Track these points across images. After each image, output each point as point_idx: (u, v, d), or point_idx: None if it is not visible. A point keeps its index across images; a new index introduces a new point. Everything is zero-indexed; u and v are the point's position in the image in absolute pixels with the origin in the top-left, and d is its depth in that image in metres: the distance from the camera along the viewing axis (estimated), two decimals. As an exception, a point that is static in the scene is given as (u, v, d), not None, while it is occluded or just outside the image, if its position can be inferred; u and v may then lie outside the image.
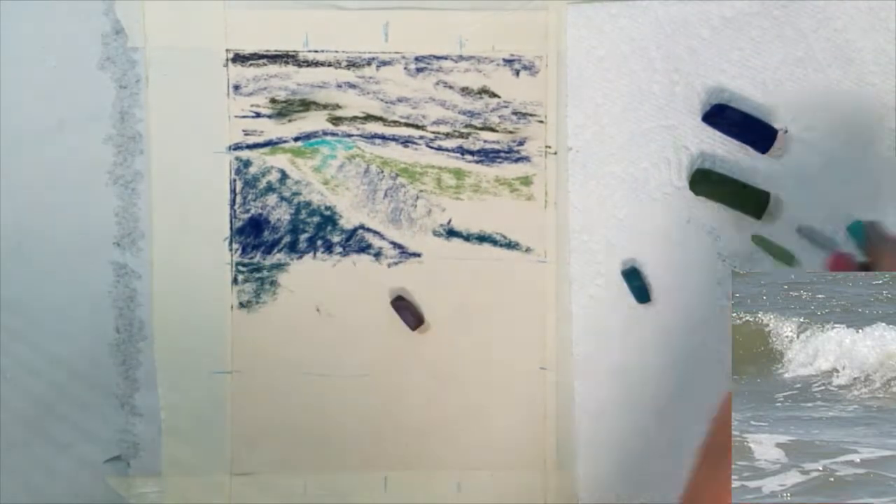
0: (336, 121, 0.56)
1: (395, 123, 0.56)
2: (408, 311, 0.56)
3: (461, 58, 0.56)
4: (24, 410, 0.56)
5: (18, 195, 0.56)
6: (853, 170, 0.55)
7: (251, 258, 0.56)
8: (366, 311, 0.57)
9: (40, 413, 0.56)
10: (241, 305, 0.56)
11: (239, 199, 0.56)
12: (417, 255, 0.56)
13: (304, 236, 0.56)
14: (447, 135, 0.56)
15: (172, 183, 0.56)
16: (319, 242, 0.56)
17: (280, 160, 0.56)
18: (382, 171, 0.56)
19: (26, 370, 0.56)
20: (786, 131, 0.55)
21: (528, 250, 0.57)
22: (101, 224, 0.56)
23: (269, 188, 0.56)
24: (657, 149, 0.56)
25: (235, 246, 0.56)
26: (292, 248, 0.56)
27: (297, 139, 0.56)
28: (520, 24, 0.56)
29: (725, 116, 0.55)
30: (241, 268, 0.56)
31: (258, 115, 0.56)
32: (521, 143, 0.56)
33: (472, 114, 0.56)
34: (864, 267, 0.51)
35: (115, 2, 0.55)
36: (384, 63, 0.56)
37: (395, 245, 0.56)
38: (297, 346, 0.56)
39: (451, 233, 0.57)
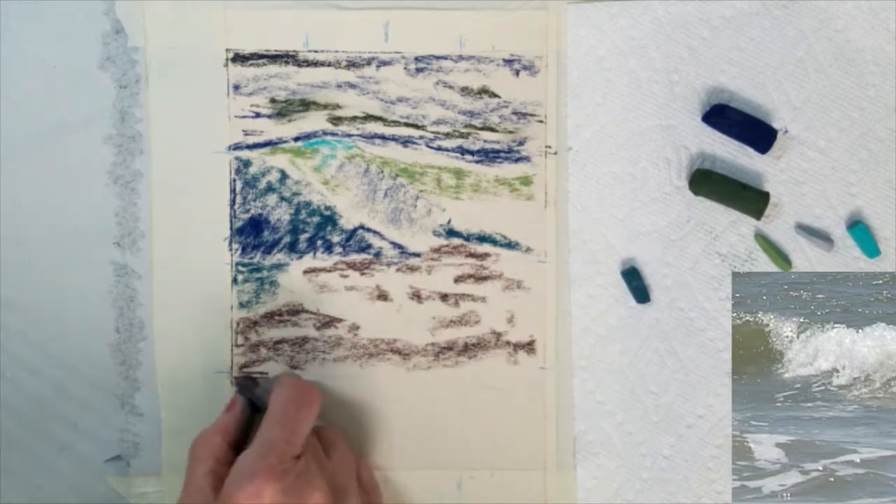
0: (336, 121, 0.56)
1: (395, 123, 0.56)
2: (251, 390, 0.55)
3: (461, 58, 0.56)
4: (24, 410, 0.56)
5: (18, 195, 0.56)
6: (853, 170, 0.55)
7: (251, 258, 0.56)
8: (365, 310, 0.57)
9: (40, 413, 0.56)
10: (241, 305, 0.56)
11: (239, 199, 0.56)
12: (417, 255, 0.56)
13: (304, 236, 0.56)
14: (447, 135, 0.56)
15: (172, 183, 0.56)
16: (319, 242, 0.56)
17: (280, 160, 0.56)
18: (382, 171, 0.56)
19: (26, 370, 0.56)
20: (786, 131, 0.55)
21: (528, 250, 0.57)
22: (101, 224, 0.56)
23: (269, 188, 0.56)
24: (657, 148, 0.56)
25: (235, 246, 0.56)
26: (292, 248, 0.56)
27: (297, 139, 0.56)
28: (520, 24, 0.56)
29: (725, 116, 0.55)
30: (240, 268, 0.56)
31: (258, 115, 0.56)
32: (521, 143, 0.56)
33: (472, 114, 0.56)
34: (255, 409, 0.53)
35: (115, 2, 0.55)
36: (384, 63, 0.56)
37: (395, 245, 0.56)
38: (297, 346, 0.56)
39: (451, 233, 0.57)
